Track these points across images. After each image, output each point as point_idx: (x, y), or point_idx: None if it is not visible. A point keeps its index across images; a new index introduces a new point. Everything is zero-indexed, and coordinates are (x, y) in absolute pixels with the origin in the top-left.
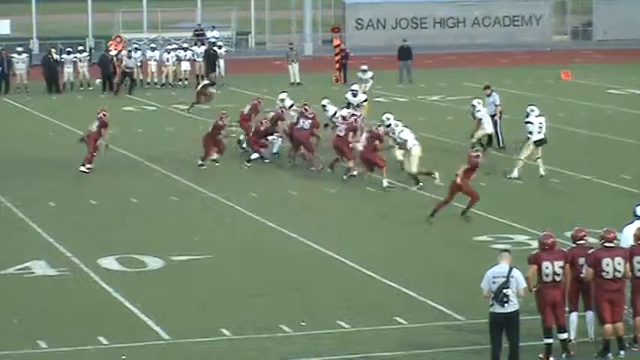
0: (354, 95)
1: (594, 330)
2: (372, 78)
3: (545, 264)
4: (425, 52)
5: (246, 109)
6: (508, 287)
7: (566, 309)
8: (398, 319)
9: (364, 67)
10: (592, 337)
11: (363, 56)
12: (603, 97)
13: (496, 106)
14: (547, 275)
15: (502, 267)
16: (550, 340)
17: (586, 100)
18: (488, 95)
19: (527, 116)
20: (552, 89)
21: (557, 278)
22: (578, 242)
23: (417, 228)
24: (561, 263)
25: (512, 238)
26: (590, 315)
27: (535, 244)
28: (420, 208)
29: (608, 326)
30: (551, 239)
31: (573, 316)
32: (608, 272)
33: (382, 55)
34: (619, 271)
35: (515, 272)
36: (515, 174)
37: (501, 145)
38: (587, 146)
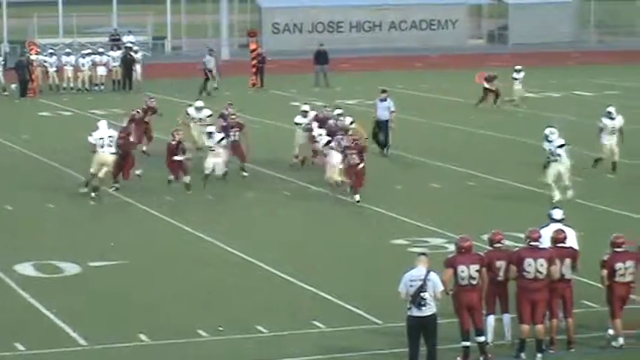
0: (304, 116)
1: (511, 332)
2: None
3: (461, 267)
4: (341, 56)
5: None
6: (425, 290)
7: (484, 312)
8: (316, 322)
9: (339, 111)
10: (509, 340)
11: (280, 60)
12: (521, 101)
13: (391, 112)
14: (463, 279)
15: (419, 270)
16: (467, 343)
17: (502, 104)
18: (383, 100)
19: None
20: (468, 93)
21: (474, 281)
22: (495, 245)
23: (335, 232)
24: (477, 267)
25: (428, 242)
26: (507, 318)
27: (452, 247)
28: (337, 213)
29: (525, 326)
30: (468, 242)
31: (490, 319)
32: (529, 272)
33: (298, 59)
34: (540, 272)
35: (433, 275)
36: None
37: (386, 152)
38: (503, 149)
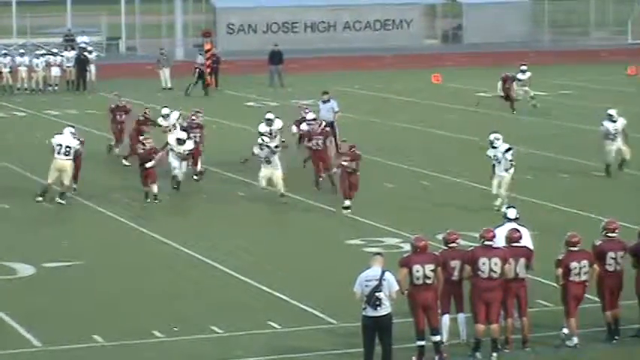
0: (269, 124)
1: (466, 332)
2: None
3: (416, 267)
4: (296, 57)
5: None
6: (380, 290)
7: (439, 311)
8: (271, 323)
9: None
10: (464, 339)
11: (234, 60)
12: (473, 100)
13: (335, 112)
14: (418, 278)
15: (374, 270)
16: (423, 343)
17: (456, 104)
18: (326, 101)
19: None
20: (423, 93)
21: (428, 281)
22: (449, 245)
23: (290, 232)
24: (432, 266)
25: (383, 242)
26: (462, 317)
27: (407, 247)
28: (292, 213)
29: (480, 326)
30: (423, 242)
31: (445, 319)
32: (484, 272)
33: (253, 59)
34: (495, 272)
35: (388, 275)
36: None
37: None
38: (458, 149)
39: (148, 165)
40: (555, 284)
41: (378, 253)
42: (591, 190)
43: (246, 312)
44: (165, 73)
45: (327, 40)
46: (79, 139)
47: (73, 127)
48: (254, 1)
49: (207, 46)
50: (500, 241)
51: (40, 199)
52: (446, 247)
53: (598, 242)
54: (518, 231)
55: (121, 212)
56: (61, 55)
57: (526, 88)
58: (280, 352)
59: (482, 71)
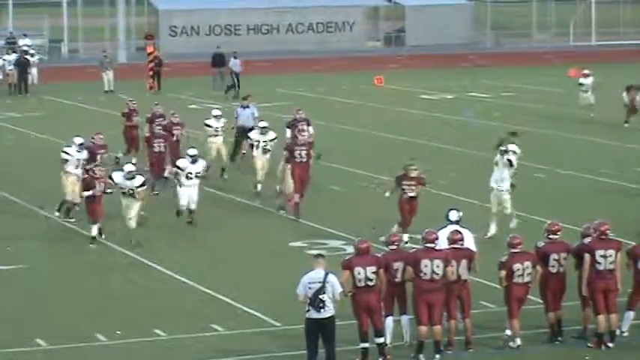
0: (218, 119)
1: (410, 334)
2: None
3: (358, 269)
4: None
5: None
6: (324, 293)
7: (383, 313)
8: (214, 325)
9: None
10: (407, 341)
11: (177, 63)
12: (416, 102)
13: (255, 118)
14: (360, 280)
15: (318, 273)
16: (366, 345)
17: (399, 106)
18: (246, 107)
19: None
20: (366, 95)
21: (370, 283)
22: (391, 247)
23: (233, 234)
24: (374, 268)
25: (327, 244)
26: (405, 319)
27: (350, 249)
28: (235, 216)
29: (423, 328)
30: (365, 244)
31: (389, 320)
32: (426, 273)
33: (196, 61)
34: (437, 273)
35: (331, 277)
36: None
37: (234, 160)
38: (400, 151)
39: (85, 193)
40: (498, 286)
41: (321, 255)
42: (534, 192)
43: (190, 315)
44: (108, 76)
45: (270, 43)
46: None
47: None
48: (196, 3)
49: (149, 49)
50: (442, 243)
51: (61, 214)
52: (388, 249)
53: (541, 244)
54: (460, 233)
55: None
56: (3, 59)
57: (587, 94)
58: (224, 355)
59: (425, 73)
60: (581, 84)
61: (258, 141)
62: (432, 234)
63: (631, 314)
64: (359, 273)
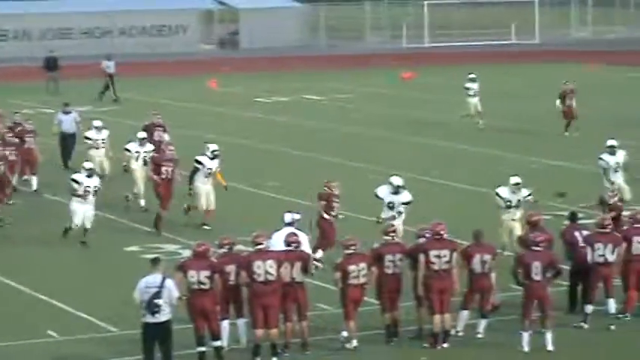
0: (99, 130)
1: (246, 337)
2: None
3: (191, 272)
4: (72, 63)
5: None
6: (160, 297)
7: (219, 317)
8: (50, 332)
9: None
10: (244, 344)
11: (8, 67)
12: (251, 105)
13: (77, 123)
14: (193, 283)
15: (154, 277)
16: (203, 349)
17: (234, 109)
18: (68, 112)
19: None
20: (200, 99)
21: (204, 286)
22: (223, 250)
23: (69, 240)
24: (208, 272)
25: (162, 248)
26: (241, 322)
27: (186, 252)
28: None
29: (259, 331)
30: (202, 247)
31: (225, 324)
32: (260, 275)
33: (27, 66)
34: (271, 274)
35: (168, 282)
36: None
37: (67, 165)
38: (236, 155)
39: None
40: (334, 287)
41: (158, 260)
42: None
43: (25, 322)
44: None
45: (103, 46)
46: None
47: None
48: (27, 7)
49: None
50: (279, 245)
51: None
52: (220, 252)
53: (376, 245)
54: (295, 235)
55: None
56: None
57: (474, 100)
58: None
59: (259, 76)
60: (467, 88)
61: (138, 152)
62: (259, 236)
63: (465, 314)
64: (192, 276)
